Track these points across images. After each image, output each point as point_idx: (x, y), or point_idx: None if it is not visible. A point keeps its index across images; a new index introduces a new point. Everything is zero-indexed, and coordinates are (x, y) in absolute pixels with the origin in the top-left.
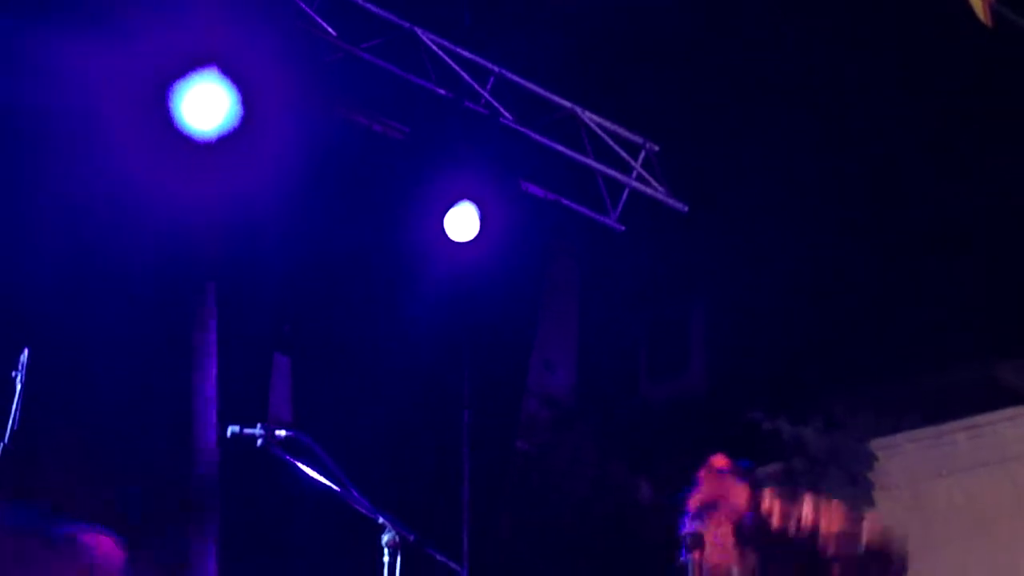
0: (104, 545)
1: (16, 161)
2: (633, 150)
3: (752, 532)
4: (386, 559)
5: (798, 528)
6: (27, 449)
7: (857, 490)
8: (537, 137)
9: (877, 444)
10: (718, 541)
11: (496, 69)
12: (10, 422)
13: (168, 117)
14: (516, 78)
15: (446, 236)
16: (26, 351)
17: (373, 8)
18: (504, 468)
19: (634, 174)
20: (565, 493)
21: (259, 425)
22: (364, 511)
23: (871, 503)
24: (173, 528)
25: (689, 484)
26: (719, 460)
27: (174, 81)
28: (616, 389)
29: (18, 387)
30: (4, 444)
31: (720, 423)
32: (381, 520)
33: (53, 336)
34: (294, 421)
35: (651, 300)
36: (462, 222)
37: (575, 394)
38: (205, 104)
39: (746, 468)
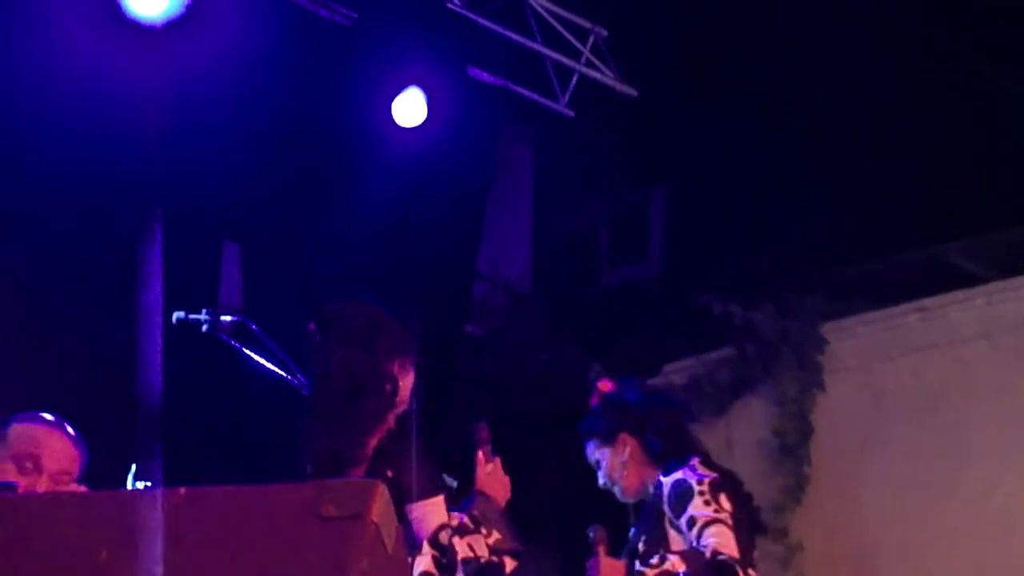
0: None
1: None
2: (581, 35)
3: None
4: None
5: None
6: None
7: (808, 373)
8: (484, 22)
9: (828, 328)
10: None
11: None
12: None
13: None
14: None
15: (394, 122)
16: None
17: None
18: (454, 353)
19: (583, 59)
20: (517, 377)
21: (204, 311)
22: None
23: (822, 386)
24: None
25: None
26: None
27: None
28: (573, 274)
29: None
30: None
31: (674, 308)
32: None
33: None
34: (245, 308)
35: (611, 186)
36: (409, 108)
37: (530, 279)
38: None
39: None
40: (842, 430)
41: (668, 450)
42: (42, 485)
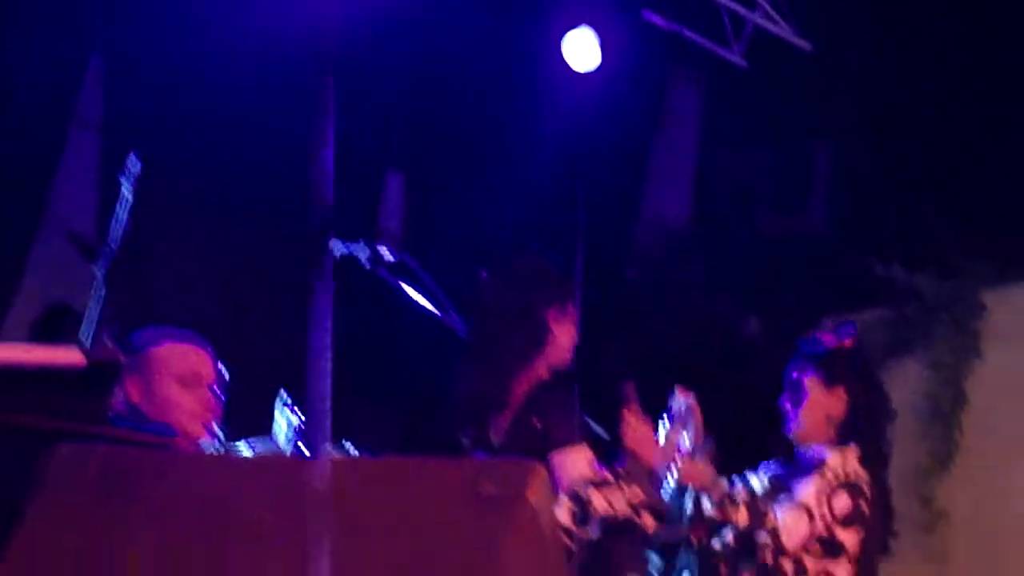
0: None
1: None
2: None
3: None
4: None
5: None
6: (137, 257)
7: (965, 339)
8: None
9: (989, 295)
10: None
11: None
12: (118, 228)
13: None
14: None
15: (565, 63)
16: (133, 157)
17: None
18: (613, 297)
19: (759, 10)
20: (672, 324)
21: (362, 242)
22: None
23: (978, 353)
24: (286, 335)
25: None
26: None
27: None
28: (732, 222)
29: (126, 194)
30: (111, 251)
31: (834, 265)
32: None
33: (165, 141)
34: (404, 241)
35: (776, 137)
36: (581, 49)
37: (690, 225)
38: None
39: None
40: (997, 400)
41: (854, 426)
42: (205, 397)
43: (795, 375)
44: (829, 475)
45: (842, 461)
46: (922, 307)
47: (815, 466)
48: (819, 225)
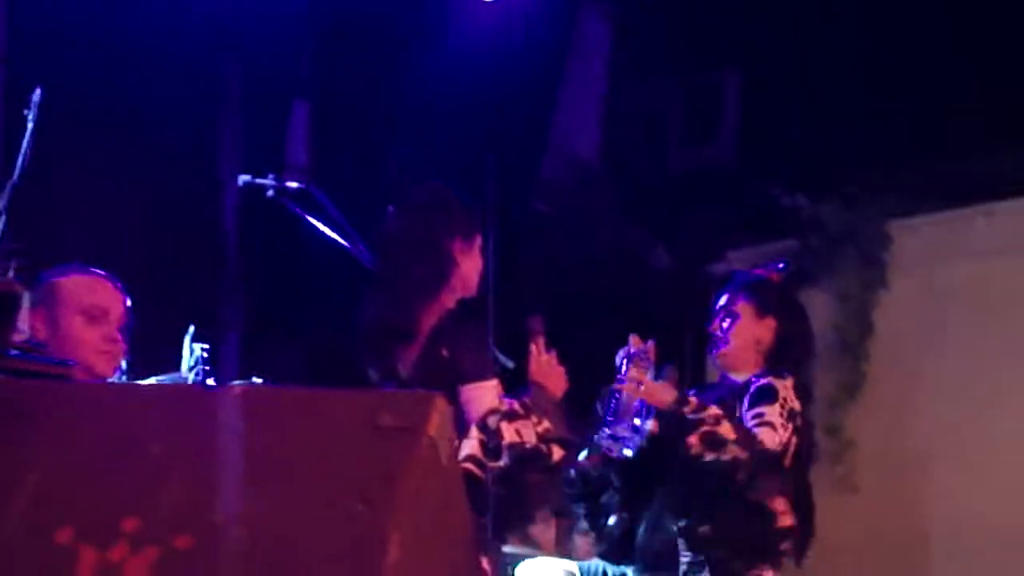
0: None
1: None
2: None
3: None
4: None
5: None
6: (40, 191)
7: (871, 270)
8: None
9: (894, 226)
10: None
11: None
12: (19, 160)
13: None
14: None
15: None
16: (38, 90)
17: None
18: (521, 228)
19: None
20: (581, 255)
21: (270, 176)
22: (371, 267)
23: (884, 284)
24: (202, 279)
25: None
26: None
27: None
28: (642, 154)
29: (29, 126)
30: (13, 182)
31: (742, 195)
32: None
33: (70, 74)
34: (310, 170)
35: (685, 68)
36: None
37: (599, 157)
38: None
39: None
40: (903, 330)
41: (781, 357)
42: (111, 333)
43: (727, 298)
44: (780, 405)
45: (786, 392)
46: (827, 238)
47: (765, 393)
48: (727, 155)
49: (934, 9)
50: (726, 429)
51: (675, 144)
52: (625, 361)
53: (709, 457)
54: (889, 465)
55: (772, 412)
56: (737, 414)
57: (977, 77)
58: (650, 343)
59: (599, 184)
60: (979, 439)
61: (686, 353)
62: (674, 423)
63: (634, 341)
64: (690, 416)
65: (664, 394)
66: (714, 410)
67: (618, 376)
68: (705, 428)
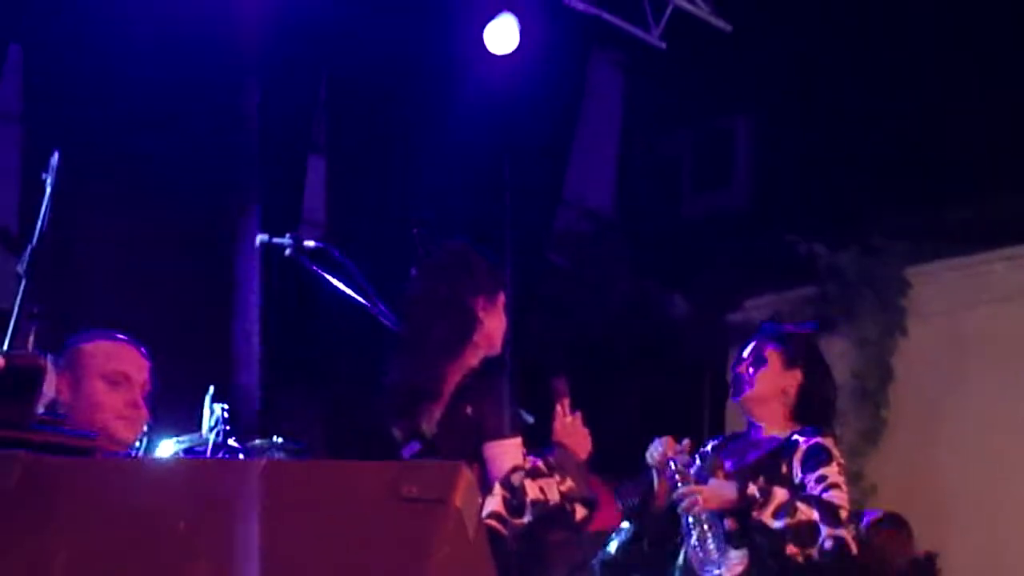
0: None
1: None
2: None
3: None
4: None
5: None
6: (59, 253)
7: (890, 316)
8: None
9: (913, 272)
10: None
11: None
12: (39, 224)
13: None
14: None
15: (486, 48)
16: (56, 154)
17: None
18: (537, 281)
19: None
20: (598, 307)
21: (288, 235)
22: (390, 325)
23: (903, 330)
24: (217, 336)
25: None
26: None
27: None
28: (656, 203)
29: (48, 190)
30: (32, 246)
31: (758, 243)
32: None
33: (87, 136)
34: (328, 224)
35: (697, 115)
36: (502, 34)
37: (614, 207)
38: None
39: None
40: (922, 376)
41: (806, 410)
42: (133, 398)
43: (756, 344)
44: (837, 463)
45: (834, 449)
46: (845, 284)
47: (819, 453)
48: (741, 201)
49: (950, 54)
50: (805, 511)
51: (688, 191)
52: (671, 464)
53: (813, 551)
54: (910, 511)
55: (832, 472)
56: (784, 471)
57: (996, 123)
58: (685, 442)
59: (614, 235)
60: (1000, 484)
61: (704, 401)
62: (757, 538)
63: (669, 444)
64: (774, 526)
65: (725, 493)
66: (780, 493)
67: (661, 475)
68: (788, 523)
